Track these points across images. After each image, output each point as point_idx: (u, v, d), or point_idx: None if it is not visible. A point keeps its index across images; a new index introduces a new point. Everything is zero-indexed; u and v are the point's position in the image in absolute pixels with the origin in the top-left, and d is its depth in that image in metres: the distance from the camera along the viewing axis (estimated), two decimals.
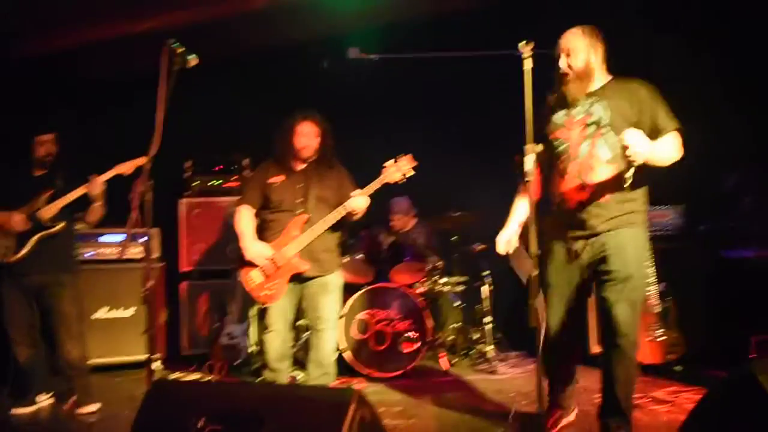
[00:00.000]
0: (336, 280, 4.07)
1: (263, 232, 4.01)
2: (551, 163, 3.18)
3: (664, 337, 4.19)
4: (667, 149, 2.89)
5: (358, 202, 3.86)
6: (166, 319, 5.46)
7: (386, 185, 3.94)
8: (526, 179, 2.70)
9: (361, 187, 3.93)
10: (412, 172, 3.92)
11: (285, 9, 5.43)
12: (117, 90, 5.67)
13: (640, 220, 3.06)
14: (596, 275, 3.09)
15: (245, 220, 4.01)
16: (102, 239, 5.26)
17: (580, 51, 2.98)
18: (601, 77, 3.06)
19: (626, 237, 3.00)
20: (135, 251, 5.18)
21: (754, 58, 4.92)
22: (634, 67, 3.08)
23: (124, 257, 5.13)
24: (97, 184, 3.99)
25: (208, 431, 2.15)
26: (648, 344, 4.51)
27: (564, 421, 3.43)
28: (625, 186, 2.79)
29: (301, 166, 4.05)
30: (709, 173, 5.56)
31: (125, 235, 5.13)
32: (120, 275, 5.23)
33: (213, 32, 5.29)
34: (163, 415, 2.33)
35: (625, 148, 2.67)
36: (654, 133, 2.88)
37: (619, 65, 3.10)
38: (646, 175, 2.89)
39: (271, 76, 6.05)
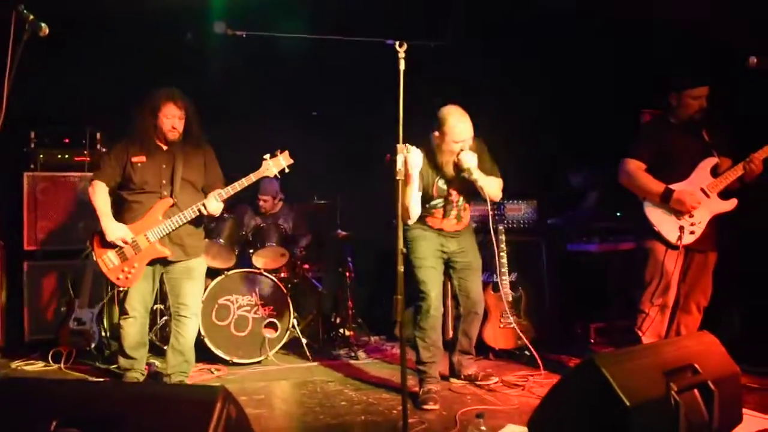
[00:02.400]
0: (200, 266, 3.98)
1: (124, 213, 3.82)
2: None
3: (515, 324, 4.46)
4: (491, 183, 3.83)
5: (213, 207, 3.80)
6: (5, 303, 5.06)
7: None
8: (398, 177, 2.75)
9: (230, 172, 3.87)
10: (288, 170, 3.89)
11: None
12: None
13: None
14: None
15: (103, 198, 3.81)
16: None
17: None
18: None
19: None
20: None
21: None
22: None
23: None
24: None
25: None
26: (501, 331, 4.78)
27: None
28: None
29: (165, 146, 3.89)
30: (559, 172, 5.99)
31: None
32: None
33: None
34: (9, 417, 2.16)
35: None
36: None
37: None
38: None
39: (128, 45, 5.69)
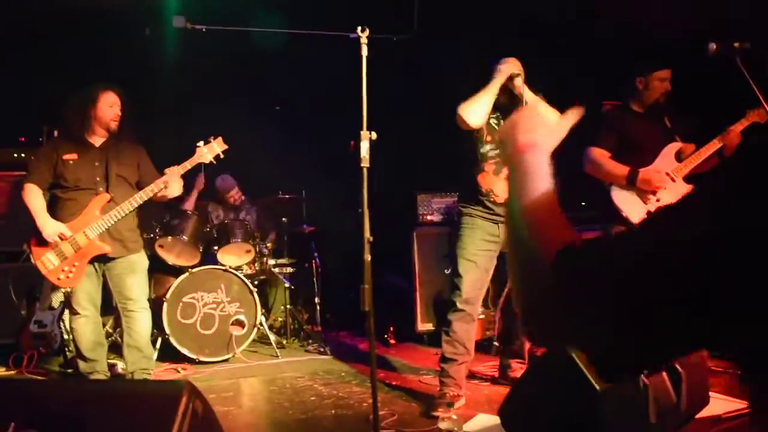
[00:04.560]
0: (141, 260, 3.93)
1: (59, 211, 3.73)
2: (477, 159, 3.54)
3: (482, 315, 4.47)
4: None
5: (176, 186, 3.80)
6: None
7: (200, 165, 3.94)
8: (362, 165, 2.72)
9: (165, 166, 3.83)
10: (222, 156, 3.90)
11: None
12: None
13: None
14: None
15: (37, 197, 3.71)
16: None
17: None
18: None
19: None
20: None
21: None
22: None
23: None
24: None
25: None
26: None
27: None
28: None
29: (98, 142, 3.83)
30: None
31: None
32: None
33: None
34: None
35: None
36: None
37: None
38: None
39: (87, 41, 5.56)
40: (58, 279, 3.67)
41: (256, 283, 5.04)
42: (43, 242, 3.64)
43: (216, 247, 4.99)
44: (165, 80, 5.68)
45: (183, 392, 2.07)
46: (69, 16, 5.39)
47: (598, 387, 2.47)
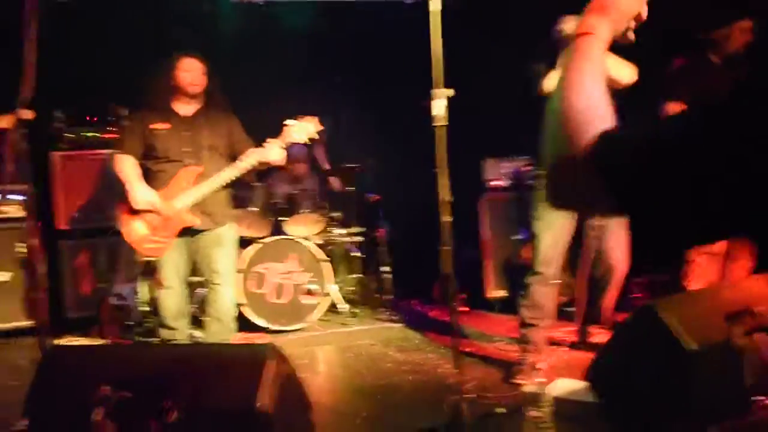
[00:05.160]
0: (229, 232, 3.88)
1: (149, 183, 3.71)
2: None
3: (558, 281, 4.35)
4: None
5: (277, 153, 3.66)
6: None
7: None
8: (437, 124, 2.65)
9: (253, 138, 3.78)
10: (317, 136, 3.76)
11: None
12: None
13: None
14: None
15: (128, 165, 3.69)
16: None
17: None
18: None
19: None
20: (8, 209, 4.73)
21: None
22: None
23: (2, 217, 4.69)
24: None
25: (116, 400, 1.99)
26: None
27: None
28: None
29: (186, 111, 3.78)
30: None
31: None
32: None
33: None
34: (61, 385, 2.14)
35: None
36: None
37: None
38: None
39: (149, 20, 5.63)
40: (144, 248, 3.68)
41: (325, 252, 5.05)
42: (132, 211, 3.64)
43: (285, 218, 5.02)
44: (224, 56, 5.71)
45: (269, 356, 2.08)
46: None
47: (689, 349, 2.39)
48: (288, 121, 3.71)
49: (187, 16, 5.67)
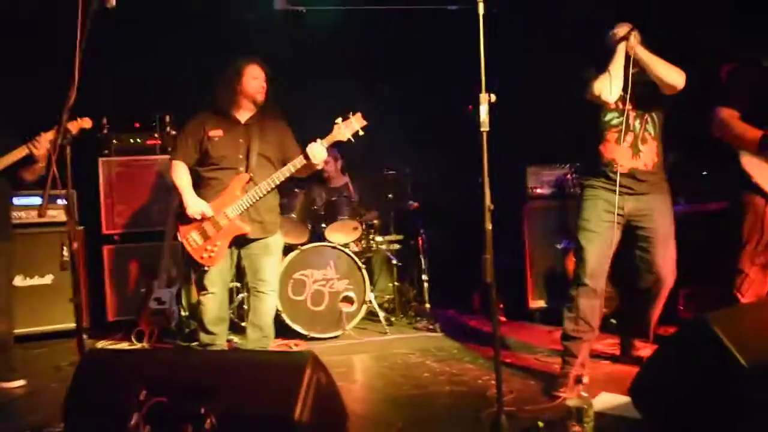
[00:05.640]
0: (278, 241, 3.92)
1: (202, 190, 3.76)
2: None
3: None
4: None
5: (319, 150, 3.67)
6: (87, 286, 5.17)
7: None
8: (482, 129, 2.60)
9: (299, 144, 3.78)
10: (361, 133, 3.75)
11: None
12: (21, 39, 5.22)
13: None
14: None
15: (184, 175, 3.76)
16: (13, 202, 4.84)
17: None
18: None
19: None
20: (53, 214, 4.83)
21: None
22: None
23: (44, 220, 4.78)
24: (43, 143, 3.58)
25: (152, 404, 1.99)
26: None
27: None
28: None
29: (244, 117, 3.82)
30: None
31: (41, 197, 4.82)
32: (34, 240, 4.89)
33: None
34: (98, 388, 2.15)
35: None
36: None
37: None
38: None
39: (190, 27, 5.70)
40: (202, 257, 3.71)
41: (363, 259, 5.03)
42: (187, 220, 3.70)
43: (323, 225, 5.01)
44: (268, 63, 5.75)
45: (307, 363, 2.06)
46: (175, 4, 5.55)
47: (745, 364, 2.27)
48: (337, 120, 3.73)
49: (230, 24, 5.73)
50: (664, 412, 2.51)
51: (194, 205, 3.68)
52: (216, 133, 3.75)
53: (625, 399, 2.85)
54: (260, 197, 3.70)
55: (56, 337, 4.80)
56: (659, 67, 3.28)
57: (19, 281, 4.79)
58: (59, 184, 2.68)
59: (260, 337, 3.89)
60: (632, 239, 3.48)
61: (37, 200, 4.94)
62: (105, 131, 5.43)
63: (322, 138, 3.71)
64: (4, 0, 4.86)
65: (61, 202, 4.91)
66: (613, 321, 4.40)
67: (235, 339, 4.60)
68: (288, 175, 3.72)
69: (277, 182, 3.72)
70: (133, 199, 5.41)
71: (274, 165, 3.80)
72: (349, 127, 3.71)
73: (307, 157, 3.68)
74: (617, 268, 3.97)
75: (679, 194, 5.03)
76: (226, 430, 1.93)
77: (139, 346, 4.58)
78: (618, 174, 3.33)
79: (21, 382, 3.76)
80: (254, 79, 3.75)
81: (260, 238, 3.80)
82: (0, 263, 3.75)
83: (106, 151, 5.42)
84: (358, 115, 3.74)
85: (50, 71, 4.93)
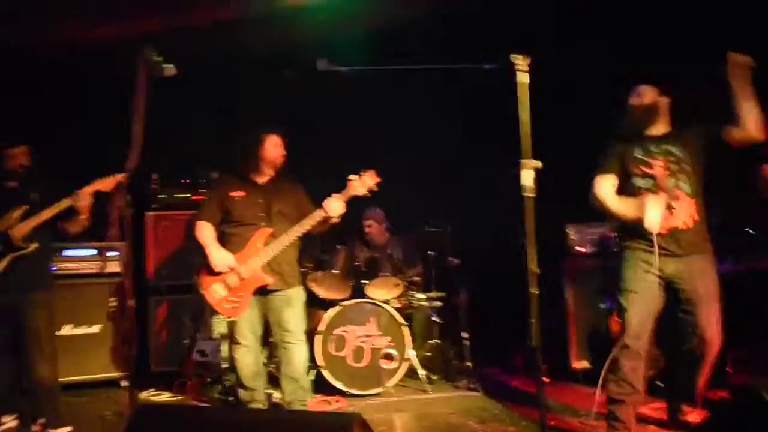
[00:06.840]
0: (298, 293, 4.05)
1: (224, 245, 3.94)
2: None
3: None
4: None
5: (335, 205, 3.87)
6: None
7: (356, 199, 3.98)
8: (525, 194, 2.63)
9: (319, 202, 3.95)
10: (376, 188, 3.95)
11: (255, 20, 5.32)
12: (82, 100, 5.47)
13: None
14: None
15: (207, 231, 3.97)
16: (65, 253, 4.99)
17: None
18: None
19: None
20: (100, 265, 4.98)
21: None
22: None
23: (98, 272, 4.96)
24: (84, 196, 3.76)
25: None
26: None
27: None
28: None
29: (262, 180, 4.05)
30: None
31: (95, 250, 4.98)
32: (84, 290, 5.02)
33: (180, 42, 5.12)
34: None
35: None
36: None
37: None
38: None
39: (239, 88, 5.93)
40: (224, 308, 3.84)
41: (404, 316, 5.02)
42: (211, 273, 3.85)
43: (365, 281, 5.04)
44: (307, 119, 5.89)
45: (354, 424, 2.06)
46: (221, 63, 5.76)
47: None
48: (351, 176, 3.94)
49: (272, 85, 5.94)
50: None
51: (219, 257, 3.84)
52: (237, 194, 3.98)
53: None
54: (281, 249, 3.87)
55: (100, 386, 4.87)
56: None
57: (67, 330, 4.90)
58: (109, 237, 2.78)
59: (296, 389, 3.93)
60: (675, 301, 3.42)
61: (86, 251, 5.08)
62: (154, 186, 5.61)
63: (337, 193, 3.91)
64: (68, 56, 5.14)
65: (111, 254, 5.05)
66: (660, 384, 4.30)
67: (275, 393, 4.59)
68: (308, 228, 3.90)
69: (298, 234, 3.91)
70: (178, 252, 5.53)
71: (291, 221, 3.97)
72: (363, 184, 3.92)
73: (325, 211, 3.85)
74: (663, 330, 3.90)
75: (726, 253, 4.95)
76: None
77: (180, 397, 4.61)
78: (654, 235, 3.29)
79: (67, 429, 3.83)
80: (275, 147, 4.02)
81: (281, 290, 3.92)
82: (42, 312, 3.85)
83: (154, 205, 5.57)
84: (371, 172, 3.96)
85: (95, 128, 5.19)
